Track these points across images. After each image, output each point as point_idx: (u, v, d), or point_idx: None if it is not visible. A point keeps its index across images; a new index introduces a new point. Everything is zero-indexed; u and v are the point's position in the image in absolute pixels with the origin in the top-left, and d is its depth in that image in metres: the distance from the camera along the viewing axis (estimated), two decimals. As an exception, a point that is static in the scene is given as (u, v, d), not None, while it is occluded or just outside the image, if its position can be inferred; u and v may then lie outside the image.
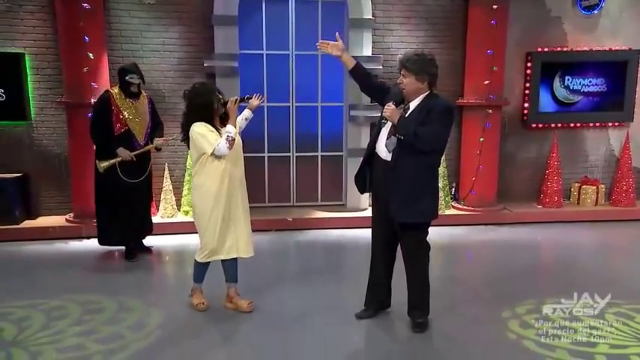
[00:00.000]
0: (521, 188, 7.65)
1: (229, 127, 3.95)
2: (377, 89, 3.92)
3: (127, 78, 5.15)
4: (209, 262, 4.18)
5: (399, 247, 3.92)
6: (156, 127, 5.47)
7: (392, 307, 4.17)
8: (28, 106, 6.43)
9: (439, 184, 6.99)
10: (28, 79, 6.39)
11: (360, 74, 3.85)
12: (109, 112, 5.15)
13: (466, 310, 4.31)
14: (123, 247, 5.59)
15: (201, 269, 4.24)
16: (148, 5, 6.52)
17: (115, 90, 5.24)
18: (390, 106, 3.57)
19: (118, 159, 5.16)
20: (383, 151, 3.68)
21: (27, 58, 6.35)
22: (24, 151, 6.53)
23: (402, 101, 3.63)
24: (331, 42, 3.82)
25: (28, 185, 6.55)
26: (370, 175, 3.85)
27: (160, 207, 6.64)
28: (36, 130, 6.52)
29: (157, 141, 5.35)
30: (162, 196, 6.58)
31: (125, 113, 5.17)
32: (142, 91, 5.41)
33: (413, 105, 3.63)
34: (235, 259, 4.19)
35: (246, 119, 4.41)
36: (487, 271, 5.43)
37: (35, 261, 5.58)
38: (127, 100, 5.20)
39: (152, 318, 4.12)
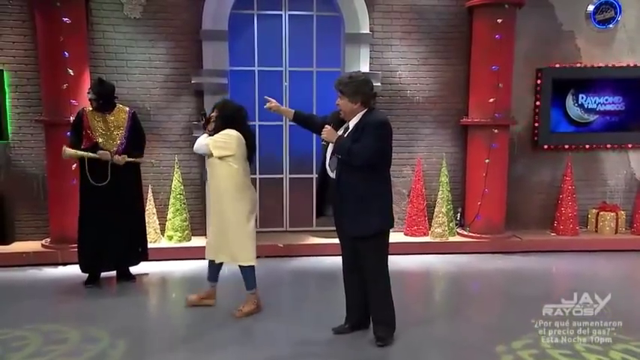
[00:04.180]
0: (533, 214, 7.12)
1: None
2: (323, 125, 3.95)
3: (87, 95, 5.13)
4: None
5: None
6: (134, 143, 5.18)
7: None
8: (6, 124, 6.15)
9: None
10: (7, 96, 6.13)
11: (304, 119, 4.14)
12: (80, 129, 5.08)
13: (458, 342, 4.04)
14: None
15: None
16: (133, 20, 6.26)
17: (93, 106, 5.10)
18: (326, 128, 3.73)
19: (86, 153, 4.97)
20: (329, 170, 3.83)
21: (6, 74, 6.10)
22: (0, 171, 6.25)
23: (342, 122, 3.81)
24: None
25: (3, 208, 6.22)
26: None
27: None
28: (13, 150, 6.23)
29: (116, 157, 5.05)
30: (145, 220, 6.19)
31: (93, 128, 5.04)
32: (119, 105, 5.21)
33: (352, 124, 3.76)
34: None
35: None
36: (489, 302, 5.09)
37: (3, 289, 5.24)
38: (98, 114, 5.08)
39: (116, 349, 3.86)
